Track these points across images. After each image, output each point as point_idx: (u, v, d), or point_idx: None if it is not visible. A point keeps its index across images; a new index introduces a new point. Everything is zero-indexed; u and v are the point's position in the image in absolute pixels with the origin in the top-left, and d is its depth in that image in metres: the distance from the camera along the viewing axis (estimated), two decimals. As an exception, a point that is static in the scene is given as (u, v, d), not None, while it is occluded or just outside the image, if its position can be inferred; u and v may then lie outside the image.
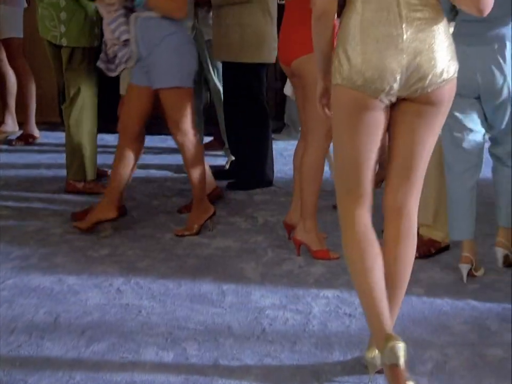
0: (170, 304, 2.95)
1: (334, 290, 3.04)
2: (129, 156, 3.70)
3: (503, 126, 3.06)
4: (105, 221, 3.71)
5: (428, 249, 3.33)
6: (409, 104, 2.24)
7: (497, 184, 3.18)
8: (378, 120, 2.27)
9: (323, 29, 2.28)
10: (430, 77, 2.16)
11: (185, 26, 3.76)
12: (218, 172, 4.85)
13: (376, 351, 2.28)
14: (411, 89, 2.19)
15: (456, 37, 2.83)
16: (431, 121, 2.26)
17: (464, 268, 3.07)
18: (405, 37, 2.14)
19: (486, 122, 3.10)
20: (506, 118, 3.02)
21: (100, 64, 3.75)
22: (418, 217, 3.24)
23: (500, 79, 2.94)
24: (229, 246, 3.60)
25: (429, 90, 2.19)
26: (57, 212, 4.09)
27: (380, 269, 2.25)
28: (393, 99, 2.24)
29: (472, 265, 3.08)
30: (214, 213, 3.79)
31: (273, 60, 4.38)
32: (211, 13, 4.52)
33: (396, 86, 2.18)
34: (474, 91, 3.00)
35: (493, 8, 2.12)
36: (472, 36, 2.93)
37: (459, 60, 2.28)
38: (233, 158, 4.78)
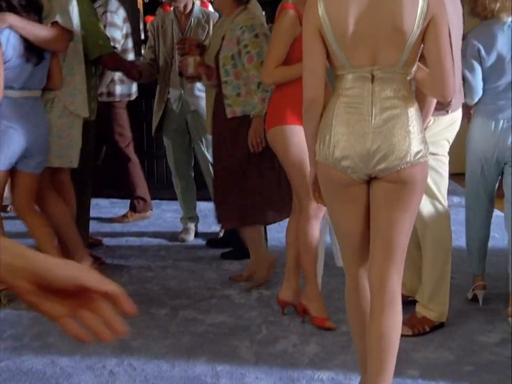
0: (164, 388, 2.93)
1: (329, 372, 3.01)
2: None
3: None
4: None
5: (423, 327, 3.31)
6: (383, 183, 2.38)
7: None
8: (355, 193, 2.42)
9: (312, 117, 2.45)
10: (391, 158, 2.32)
11: (12, 111, 3.66)
12: (212, 240, 4.87)
13: None
14: (375, 169, 2.35)
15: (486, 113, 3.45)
16: (406, 200, 2.37)
17: (481, 294, 3.62)
18: (373, 122, 2.33)
19: None
20: None
21: None
22: (415, 294, 3.34)
23: None
24: (223, 321, 3.58)
25: (397, 169, 2.33)
26: (51, 285, 4.05)
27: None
28: (363, 177, 2.39)
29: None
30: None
31: None
32: (196, 84, 4.60)
33: (360, 165, 2.35)
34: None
35: None
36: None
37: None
38: (226, 226, 4.79)
